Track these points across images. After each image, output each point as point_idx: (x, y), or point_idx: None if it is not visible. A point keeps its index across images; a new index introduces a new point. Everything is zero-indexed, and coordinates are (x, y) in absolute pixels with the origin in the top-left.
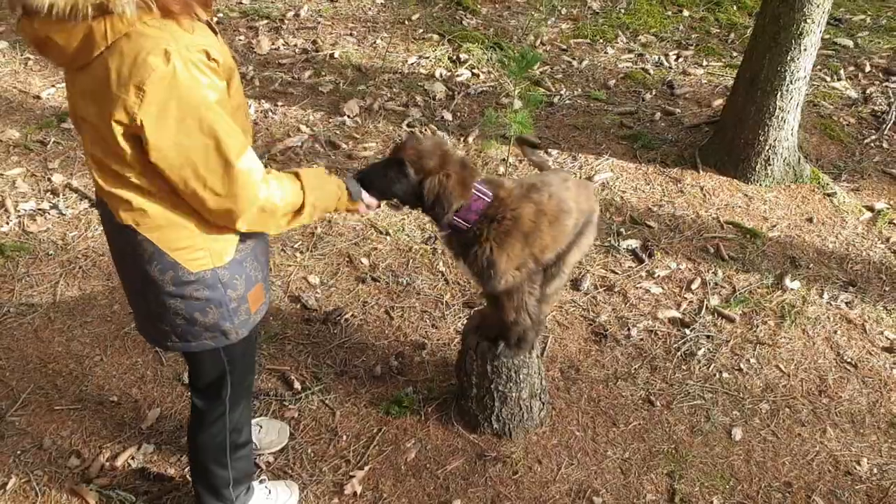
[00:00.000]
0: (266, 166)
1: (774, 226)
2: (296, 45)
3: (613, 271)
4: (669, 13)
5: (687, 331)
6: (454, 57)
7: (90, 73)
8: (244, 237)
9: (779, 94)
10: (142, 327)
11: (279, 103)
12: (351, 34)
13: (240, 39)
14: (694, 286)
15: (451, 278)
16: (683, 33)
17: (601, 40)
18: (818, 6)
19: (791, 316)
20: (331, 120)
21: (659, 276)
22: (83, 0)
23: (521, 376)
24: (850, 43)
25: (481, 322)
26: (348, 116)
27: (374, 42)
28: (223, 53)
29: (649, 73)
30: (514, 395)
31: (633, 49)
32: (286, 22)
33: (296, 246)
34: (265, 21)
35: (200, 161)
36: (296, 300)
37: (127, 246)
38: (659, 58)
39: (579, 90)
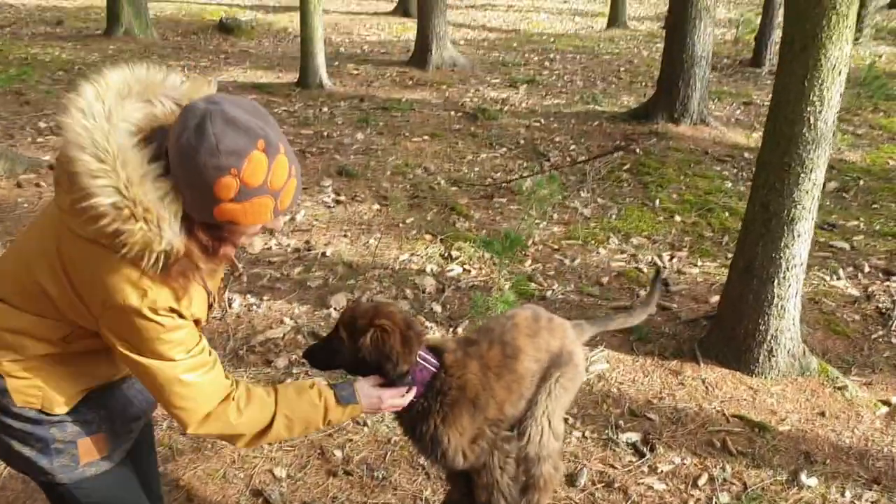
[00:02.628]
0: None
1: (783, 420)
2: (288, 246)
3: (613, 466)
4: (661, 218)
5: None
6: (446, 254)
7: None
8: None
9: (775, 281)
10: None
11: (265, 297)
12: (345, 235)
13: None
14: (701, 482)
15: (432, 473)
16: (676, 237)
17: (593, 242)
18: (807, 192)
19: None
20: (316, 312)
21: (662, 471)
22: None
23: None
24: (847, 245)
25: (451, 501)
26: (334, 309)
27: (367, 242)
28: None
29: (643, 272)
30: None
31: (625, 250)
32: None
33: None
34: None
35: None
36: (258, 495)
37: None
38: (652, 258)
39: (572, 286)
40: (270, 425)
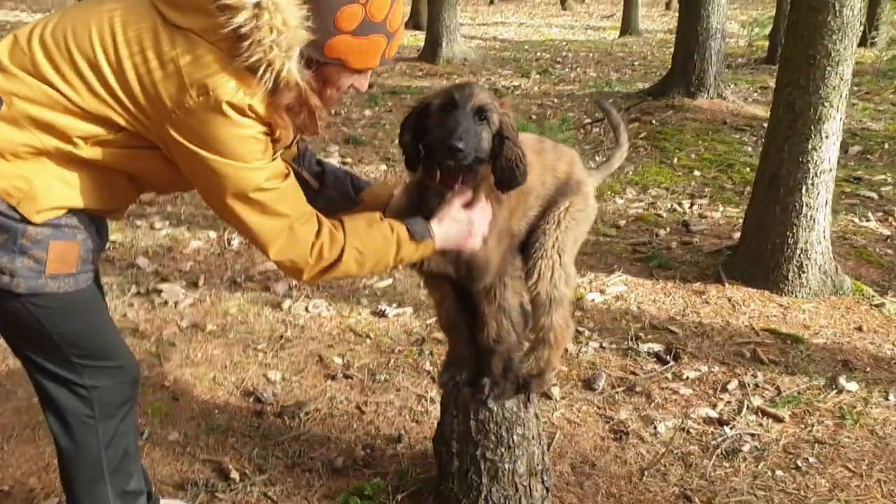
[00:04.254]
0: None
1: (817, 333)
2: None
3: (633, 372)
4: (680, 174)
5: (726, 429)
6: None
7: None
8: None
9: (803, 188)
10: None
11: None
12: None
13: None
14: (731, 387)
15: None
16: (696, 188)
17: (609, 192)
18: (834, 88)
19: (853, 416)
20: None
21: (688, 377)
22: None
23: (514, 438)
24: (874, 194)
25: (454, 357)
26: None
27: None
28: None
29: (662, 216)
30: (506, 466)
31: (643, 199)
32: None
33: (259, 347)
34: None
35: None
36: (249, 394)
37: None
38: (672, 205)
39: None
40: (339, 258)
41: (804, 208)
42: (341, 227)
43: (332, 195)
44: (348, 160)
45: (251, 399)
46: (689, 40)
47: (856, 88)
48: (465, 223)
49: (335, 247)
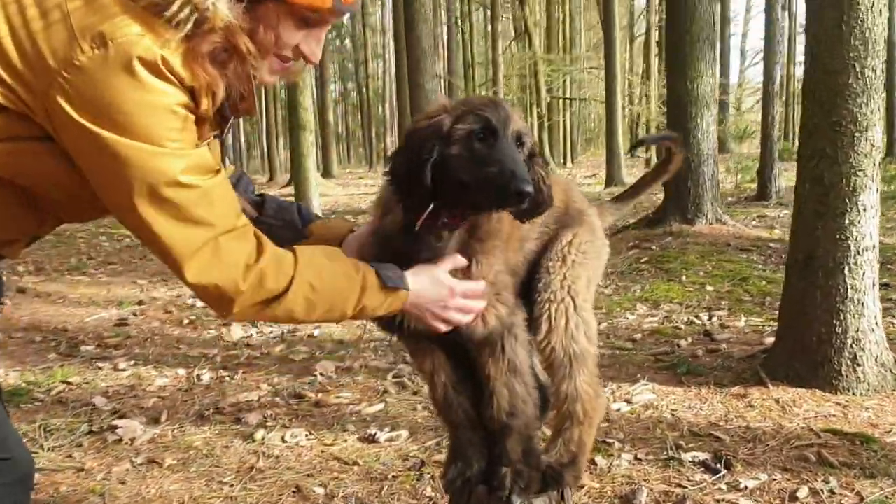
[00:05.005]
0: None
1: (889, 431)
2: (270, 332)
3: (680, 485)
4: (691, 289)
5: None
6: None
7: None
8: None
9: (845, 269)
10: None
11: (240, 371)
12: (338, 325)
13: (209, 332)
14: (801, 495)
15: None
16: (712, 301)
17: (619, 309)
18: (866, 156)
19: None
20: (300, 379)
21: (746, 487)
22: None
23: None
24: None
25: (459, 448)
26: (321, 374)
27: (360, 324)
28: None
29: (680, 328)
30: None
31: (656, 314)
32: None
33: (224, 480)
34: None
35: None
36: None
37: None
38: (689, 318)
39: (601, 343)
40: (286, 291)
41: (849, 291)
42: (293, 254)
43: (274, 223)
44: None
45: None
46: (682, 167)
47: None
48: (445, 287)
49: (282, 275)
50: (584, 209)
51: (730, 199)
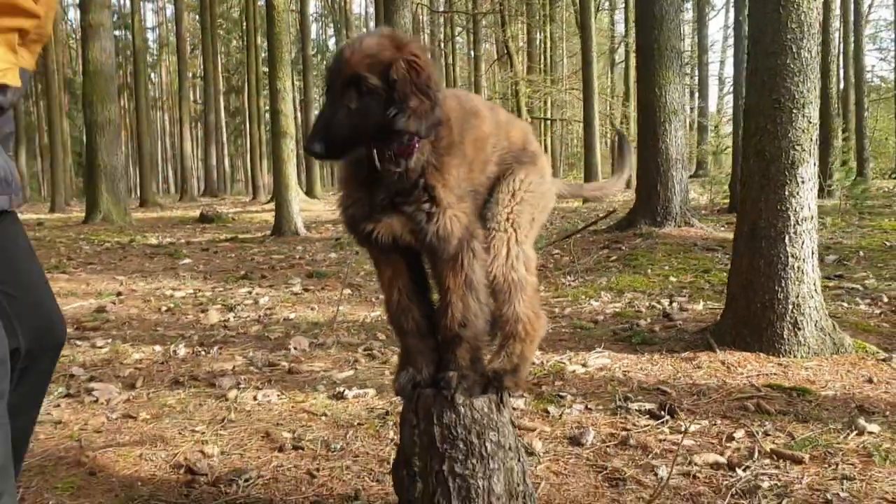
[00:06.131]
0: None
1: (825, 386)
2: (248, 317)
3: (625, 428)
4: (654, 280)
5: (739, 471)
6: None
7: None
8: None
9: (786, 238)
10: None
11: (216, 347)
12: (311, 308)
13: (187, 317)
14: (737, 435)
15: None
16: (673, 290)
17: (584, 297)
18: (804, 131)
19: (881, 453)
20: (274, 352)
21: (688, 430)
22: None
23: (486, 445)
24: (859, 286)
25: (410, 355)
26: (295, 348)
27: (335, 310)
28: None
29: (641, 311)
30: (480, 484)
31: (619, 301)
32: (242, 305)
33: (196, 429)
34: (219, 305)
35: None
36: (179, 467)
37: None
38: (650, 303)
39: (564, 323)
40: None
41: (790, 259)
42: None
43: None
44: (311, 287)
45: (182, 471)
46: (651, 172)
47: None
48: None
49: None
50: (538, 153)
51: (703, 211)
